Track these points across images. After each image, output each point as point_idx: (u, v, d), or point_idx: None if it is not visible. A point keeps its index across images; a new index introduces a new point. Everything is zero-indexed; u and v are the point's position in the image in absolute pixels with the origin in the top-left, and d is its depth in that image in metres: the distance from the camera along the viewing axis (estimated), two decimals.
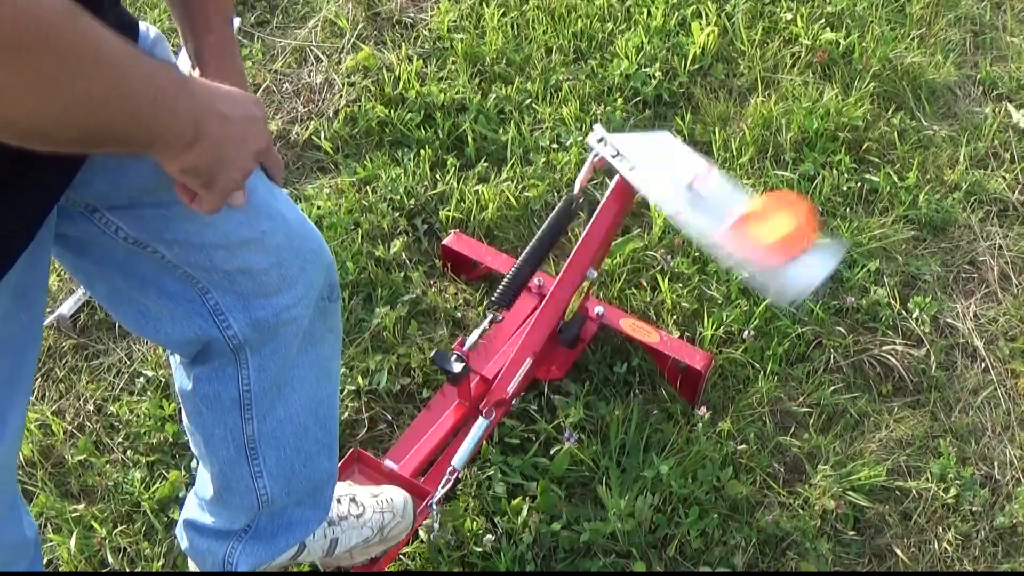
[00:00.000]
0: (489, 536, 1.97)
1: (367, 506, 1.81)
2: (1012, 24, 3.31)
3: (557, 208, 2.09)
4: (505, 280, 2.04)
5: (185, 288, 1.29)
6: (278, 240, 1.31)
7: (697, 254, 2.48)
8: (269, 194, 1.30)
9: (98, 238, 1.23)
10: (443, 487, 1.91)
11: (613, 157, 1.95)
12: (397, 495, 1.85)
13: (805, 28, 3.06)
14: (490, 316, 2.11)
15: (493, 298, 2.04)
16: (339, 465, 1.92)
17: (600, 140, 1.98)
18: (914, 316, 2.45)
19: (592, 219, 2.11)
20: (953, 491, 2.17)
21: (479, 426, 1.96)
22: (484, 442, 2.06)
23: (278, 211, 1.32)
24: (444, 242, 2.40)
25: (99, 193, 1.18)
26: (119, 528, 1.99)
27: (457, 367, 1.94)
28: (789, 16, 3.11)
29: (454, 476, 1.93)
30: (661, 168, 1.95)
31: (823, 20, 3.11)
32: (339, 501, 1.79)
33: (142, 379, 2.21)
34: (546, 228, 2.07)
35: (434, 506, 1.90)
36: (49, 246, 1.18)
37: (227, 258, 1.27)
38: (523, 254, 2.05)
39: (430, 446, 2.04)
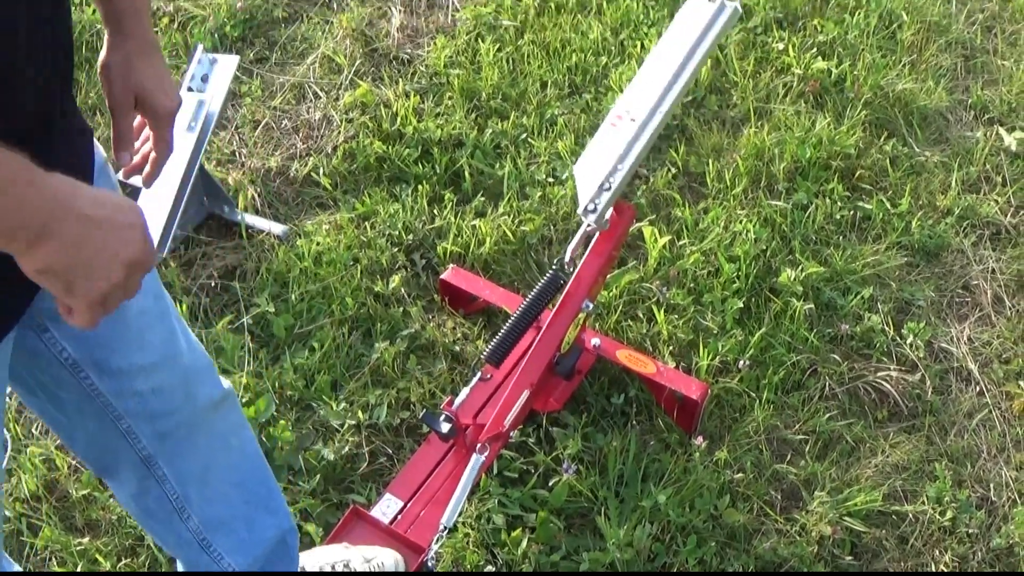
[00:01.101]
0: (489, 568, 2.02)
1: (360, 571, 1.88)
2: (1003, 47, 3.38)
3: (547, 277, 2.15)
4: (498, 338, 2.09)
5: (102, 416, 1.38)
6: (184, 359, 1.42)
7: (693, 285, 2.54)
8: (174, 316, 1.41)
9: (42, 354, 1.29)
10: (436, 543, 1.96)
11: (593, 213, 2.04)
12: (389, 558, 1.92)
13: (797, 58, 3.14)
14: (479, 373, 2.17)
15: (486, 355, 2.10)
16: (339, 523, 1.99)
17: (590, 210, 2.05)
18: (908, 342, 2.50)
19: (586, 254, 2.17)
20: (949, 514, 2.21)
21: (472, 468, 2.00)
22: (483, 475, 2.11)
23: (182, 330, 1.43)
24: (442, 276, 2.46)
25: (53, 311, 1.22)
26: (123, 561, 2.04)
27: (445, 427, 2.00)
28: (781, 46, 3.18)
29: (445, 533, 1.97)
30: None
31: (814, 49, 3.19)
32: (334, 567, 1.86)
33: None
34: (536, 294, 2.13)
35: (430, 563, 1.95)
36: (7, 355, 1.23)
37: (144, 380, 1.36)
38: (514, 316, 2.11)
39: (429, 494, 2.09)
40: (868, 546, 2.18)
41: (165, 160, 1.40)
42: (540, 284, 2.15)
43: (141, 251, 0.98)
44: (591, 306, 2.18)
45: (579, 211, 2.10)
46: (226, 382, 1.55)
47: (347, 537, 1.96)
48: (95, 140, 1.25)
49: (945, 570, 2.15)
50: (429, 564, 1.92)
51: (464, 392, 2.12)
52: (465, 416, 2.11)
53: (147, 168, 1.39)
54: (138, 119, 1.38)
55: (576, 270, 2.17)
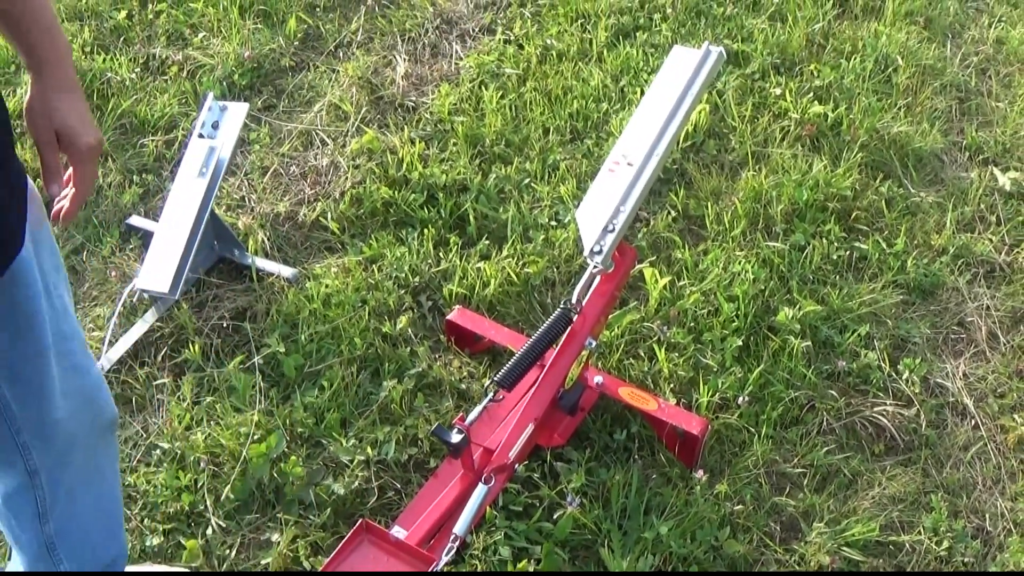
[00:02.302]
0: None
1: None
2: (997, 89, 3.55)
3: (556, 314, 2.30)
4: (510, 364, 2.24)
5: (4, 431, 1.54)
6: (78, 384, 1.61)
7: (693, 324, 2.68)
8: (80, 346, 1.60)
9: None
10: (447, 554, 2.09)
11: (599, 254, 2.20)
12: None
13: (794, 102, 3.31)
14: (491, 394, 2.31)
15: (496, 378, 2.24)
16: (348, 536, 2.12)
17: (595, 252, 2.21)
18: (904, 377, 2.64)
19: (590, 293, 2.32)
20: (946, 543, 2.33)
21: (480, 492, 2.15)
22: (489, 508, 2.24)
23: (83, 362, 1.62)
24: (448, 317, 2.61)
25: None
26: None
27: (456, 438, 2.13)
28: (778, 91, 3.35)
29: (457, 543, 2.11)
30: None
31: (811, 94, 3.36)
32: None
33: (158, 451, 2.41)
34: (546, 329, 2.29)
35: (437, 572, 2.08)
36: None
37: (48, 400, 1.54)
38: (525, 345, 2.26)
39: (437, 514, 2.22)
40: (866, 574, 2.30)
41: (85, 196, 1.51)
42: (550, 320, 2.30)
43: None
44: (594, 343, 2.33)
45: (584, 253, 2.25)
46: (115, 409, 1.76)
47: (356, 550, 2.08)
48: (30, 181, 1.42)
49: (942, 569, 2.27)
50: (438, 571, 2.04)
51: (476, 410, 2.25)
52: (479, 434, 2.25)
53: (66, 204, 1.50)
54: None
55: (581, 309, 2.32)
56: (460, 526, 2.12)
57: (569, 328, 2.32)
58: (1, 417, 1.52)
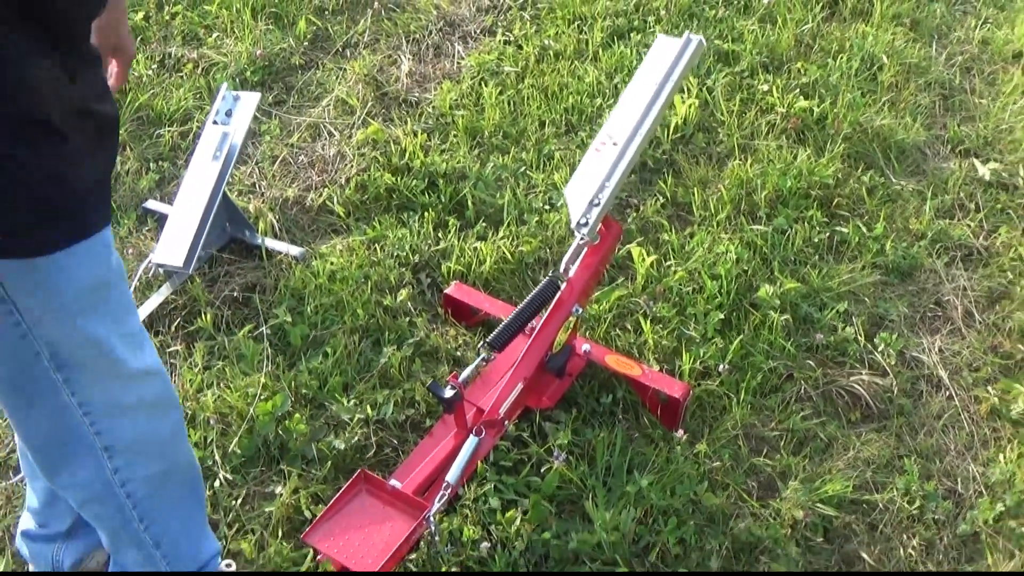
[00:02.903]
0: (485, 544, 2.31)
1: None
2: (981, 87, 3.74)
3: (545, 282, 2.49)
4: (500, 326, 2.43)
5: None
6: None
7: (677, 300, 2.87)
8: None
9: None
10: (439, 500, 2.27)
11: (584, 226, 2.39)
12: None
13: (780, 98, 3.50)
14: (483, 354, 2.49)
15: (488, 340, 2.43)
16: (347, 484, 2.30)
17: (582, 224, 2.41)
18: (880, 350, 2.81)
19: (577, 264, 2.51)
20: (918, 503, 2.49)
21: (471, 443, 2.33)
22: (480, 463, 2.42)
23: None
24: (446, 291, 2.80)
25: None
26: None
27: (449, 393, 2.32)
28: (765, 87, 3.55)
29: (449, 491, 2.28)
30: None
31: (798, 90, 3.56)
32: None
33: None
34: (535, 295, 2.48)
35: (431, 519, 2.25)
36: None
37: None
38: (516, 310, 2.45)
39: (431, 468, 2.40)
40: (839, 531, 2.46)
41: (118, 86, 1.92)
42: (539, 287, 2.49)
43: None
44: (580, 310, 2.51)
45: (572, 225, 2.45)
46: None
47: (355, 499, 2.26)
48: None
49: (914, 553, 2.43)
50: (430, 520, 2.22)
51: (469, 369, 2.43)
52: (471, 396, 2.43)
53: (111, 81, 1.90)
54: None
55: (569, 278, 2.51)
56: (452, 475, 2.30)
57: (557, 295, 2.51)
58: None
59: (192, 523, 2.01)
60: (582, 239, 2.47)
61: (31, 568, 2.19)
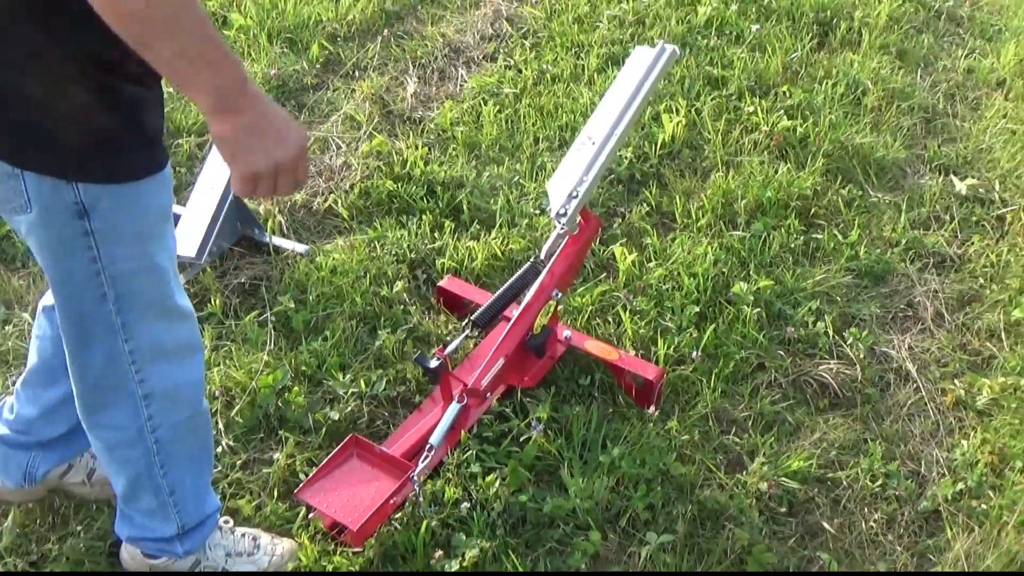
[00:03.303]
0: (465, 504, 2.52)
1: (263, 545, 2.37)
2: (964, 111, 3.98)
3: (526, 266, 2.74)
4: (484, 305, 2.68)
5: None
6: None
7: (656, 295, 3.10)
8: None
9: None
10: (423, 461, 2.49)
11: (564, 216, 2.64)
12: (286, 544, 2.40)
13: (765, 118, 3.76)
14: (467, 331, 2.73)
15: (473, 317, 2.67)
16: (339, 447, 2.52)
17: (561, 214, 2.66)
18: (849, 342, 3.02)
19: (557, 252, 2.76)
20: (880, 481, 2.68)
21: (453, 409, 2.55)
22: (464, 434, 2.64)
23: None
24: (440, 284, 3.05)
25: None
26: None
27: (434, 363, 2.55)
28: (751, 109, 3.81)
29: (432, 453, 2.50)
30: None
31: (782, 111, 3.81)
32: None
33: None
34: (517, 278, 2.72)
35: (416, 478, 2.47)
36: None
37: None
38: (499, 291, 2.70)
39: (418, 436, 2.63)
40: (803, 504, 2.64)
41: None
42: (520, 271, 2.73)
43: (289, 160, 1.53)
44: (560, 295, 2.75)
45: (552, 215, 2.70)
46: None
47: (346, 462, 2.49)
48: None
49: (875, 526, 2.61)
50: (414, 479, 2.43)
51: (454, 342, 2.66)
52: (453, 379, 2.66)
53: None
54: None
55: (549, 265, 2.75)
56: (435, 437, 2.52)
57: (538, 280, 2.74)
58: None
59: (202, 476, 2.23)
60: (562, 229, 2.72)
61: None
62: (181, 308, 1.94)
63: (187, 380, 2.02)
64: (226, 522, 2.42)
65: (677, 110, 3.78)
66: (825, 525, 2.60)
